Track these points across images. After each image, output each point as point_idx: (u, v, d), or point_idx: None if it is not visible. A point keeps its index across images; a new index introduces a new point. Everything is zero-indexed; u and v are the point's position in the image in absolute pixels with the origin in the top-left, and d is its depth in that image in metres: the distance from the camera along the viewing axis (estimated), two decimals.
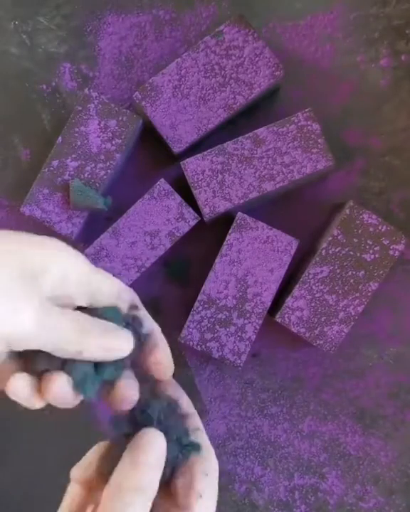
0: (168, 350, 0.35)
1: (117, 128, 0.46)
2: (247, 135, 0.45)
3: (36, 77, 0.50)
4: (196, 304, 0.45)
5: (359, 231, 0.45)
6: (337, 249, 0.45)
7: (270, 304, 0.45)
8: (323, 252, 0.45)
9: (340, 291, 0.45)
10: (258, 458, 0.49)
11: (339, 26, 0.49)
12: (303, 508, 0.49)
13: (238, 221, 0.45)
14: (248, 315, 0.45)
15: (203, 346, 0.45)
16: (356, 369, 0.49)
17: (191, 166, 0.45)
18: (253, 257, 0.45)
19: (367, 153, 0.49)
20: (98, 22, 0.50)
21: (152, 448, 0.31)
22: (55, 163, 0.46)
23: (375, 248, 0.45)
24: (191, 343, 0.45)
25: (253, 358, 0.50)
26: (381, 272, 0.45)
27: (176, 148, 0.46)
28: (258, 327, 0.45)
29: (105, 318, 0.32)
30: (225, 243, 0.45)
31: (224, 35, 0.45)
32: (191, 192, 0.45)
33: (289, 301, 0.45)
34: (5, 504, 0.50)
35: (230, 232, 0.45)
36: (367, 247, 0.45)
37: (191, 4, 0.50)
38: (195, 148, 0.48)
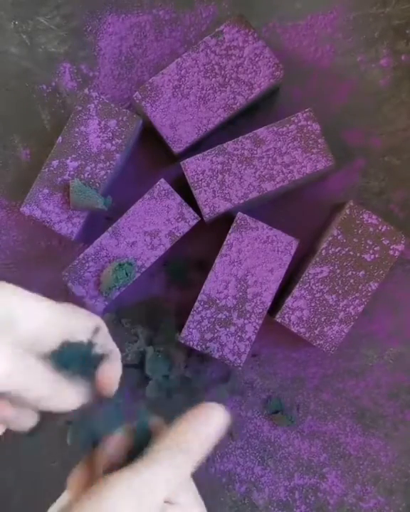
0: (119, 371, 0.35)
1: (117, 128, 0.46)
2: (247, 135, 0.45)
3: (36, 77, 0.50)
4: (196, 304, 0.45)
5: (359, 231, 0.45)
6: (337, 249, 0.45)
7: (270, 303, 0.45)
8: (323, 252, 0.45)
9: (340, 291, 0.45)
10: (258, 458, 0.49)
11: (339, 26, 0.49)
12: (303, 508, 0.49)
13: (238, 221, 0.45)
14: (248, 315, 0.45)
15: (203, 346, 0.45)
16: (356, 369, 0.49)
17: (191, 166, 0.45)
18: (253, 257, 0.45)
19: (367, 153, 0.49)
20: (98, 22, 0.50)
21: (213, 421, 0.31)
22: (55, 163, 0.46)
23: (375, 248, 0.45)
24: (191, 343, 0.45)
25: (253, 358, 0.50)
26: (381, 272, 0.45)
27: (176, 148, 0.46)
28: (258, 327, 0.45)
29: (64, 360, 0.32)
30: (225, 243, 0.45)
31: (224, 35, 0.45)
32: (191, 192, 0.45)
33: (289, 301, 0.45)
34: (6, 505, 0.50)
35: (230, 232, 0.45)
36: (367, 247, 0.45)
37: (191, 4, 0.50)
38: (195, 148, 0.48)
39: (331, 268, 0.45)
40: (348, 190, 0.49)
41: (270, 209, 0.49)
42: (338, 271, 0.45)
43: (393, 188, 0.49)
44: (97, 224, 0.49)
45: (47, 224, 0.46)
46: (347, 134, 0.49)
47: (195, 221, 0.46)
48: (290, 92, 0.49)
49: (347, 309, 0.45)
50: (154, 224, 0.46)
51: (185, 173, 0.45)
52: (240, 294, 0.45)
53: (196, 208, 0.46)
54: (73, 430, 0.32)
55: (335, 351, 0.45)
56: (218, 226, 0.48)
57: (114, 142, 0.46)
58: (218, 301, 0.45)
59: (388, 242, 0.45)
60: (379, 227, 0.45)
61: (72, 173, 0.46)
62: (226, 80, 0.45)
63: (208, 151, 0.45)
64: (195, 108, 0.46)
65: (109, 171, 0.46)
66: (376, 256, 0.45)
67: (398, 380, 0.49)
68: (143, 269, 0.46)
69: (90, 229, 0.48)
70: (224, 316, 0.45)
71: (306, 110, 0.45)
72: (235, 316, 0.45)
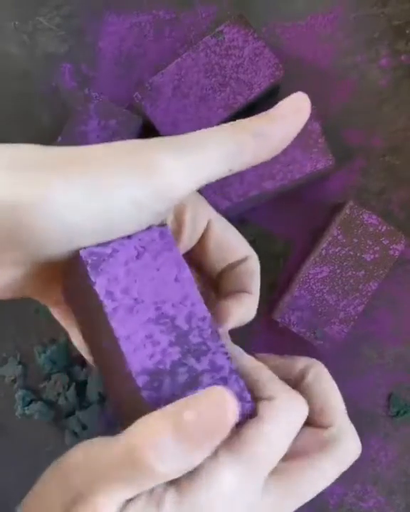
0: None
1: (117, 128, 0.46)
2: None
3: (36, 77, 0.50)
4: (144, 392, 0.28)
5: (359, 231, 0.45)
6: (336, 249, 0.45)
7: (208, 312, 0.31)
8: (323, 252, 0.45)
9: (340, 291, 0.45)
10: None
11: (339, 26, 0.49)
12: (303, 508, 0.49)
13: (88, 261, 0.28)
14: (204, 347, 0.30)
15: None
16: (356, 369, 0.49)
17: None
18: (146, 283, 0.30)
19: (367, 153, 0.49)
20: (98, 22, 0.50)
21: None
22: None
23: (375, 248, 0.45)
24: None
25: None
26: (381, 272, 0.45)
27: None
28: (224, 348, 0.30)
29: None
30: (101, 299, 0.29)
31: (224, 35, 0.45)
32: None
33: (289, 301, 0.45)
34: (6, 505, 0.50)
35: (93, 281, 0.28)
36: (367, 247, 0.45)
37: (191, 4, 0.50)
38: None
39: (331, 268, 0.45)
40: (348, 190, 0.49)
41: (270, 209, 0.49)
42: (338, 271, 0.45)
43: (393, 188, 0.49)
44: None
45: None
46: (347, 134, 0.49)
47: None
48: (290, 92, 0.49)
49: (347, 309, 0.45)
50: None
51: None
52: (174, 333, 0.30)
53: None
54: None
55: (335, 351, 0.45)
56: None
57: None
58: (161, 367, 0.29)
59: (388, 242, 0.45)
60: (379, 227, 0.45)
61: None
62: (226, 79, 0.46)
63: None
64: (195, 108, 0.46)
65: None
66: (376, 256, 0.45)
67: (398, 380, 0.49)
68: None
69: None
70: (186, 375, 0.29)
71: None
72: (194, 362, 0.30)
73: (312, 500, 0.49)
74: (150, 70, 0.50)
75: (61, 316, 0.33)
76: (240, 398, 0.29)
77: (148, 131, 0.48)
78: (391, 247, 0.45)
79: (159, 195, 0.26)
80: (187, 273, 0.30)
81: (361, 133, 0.49)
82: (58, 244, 0.26)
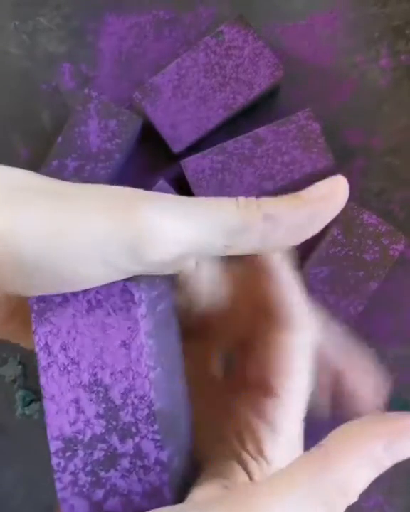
0: None
1: (117, 128, 0.46)
2: (247, 134, 0.45)
3: (36, 77, 0.50)
4: (53, 459, 0.27)
5: (359, 231, 0.45)
6: (336, 249, 0.45)
7: (152, 393, 0.25)
8: (323, 252, 0.45)
9: (340, 291, 0.45)
10: None
11: (339, 26, 0.49)
12: None
13: (35, 307, 0.25)
14: (133, 428, 0.26)
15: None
16: None
17: (192, 164, 0.45)
18: (87, 343, 0.26)
19: (367, 153, 0.49)
20: (98, 22, 0.50)
21: None
22: (54, 163, 0.46)
23: (375, 248, 0.45)
24: None
25: None
26: (381, 272, 0.45)
27: (176, 148, 0.46)
28: (158, 436, 0.25)
29: None
30: (38, 350, 0.26)
31: (224, 35, 0.45)
32: (191, 192, 0.45)
33: None
34: (6, 505, 0.50)
35: (34, 330, 0.26)
36: (367, 247, 0.45)
37: (191, 4, 0.50)
38: (195, 148, 0.48)
39: (331, 268, 0.45)
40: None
41: None
42: (338, 271, 0.45)
43: (393, 188, 0.49)
44: None
45: None
46: (347, 134, 0.49)
47: None
48: (290, 92, 0.49)
49: (347, 309, 0.45)
50: None
51: (185, 172, 0.45)
52: (103, 405, 0.26)
53: None
54: None
55: None
56: None
57: (114, 142, 0.46)
58: (79, 437, 0.26)
59: (388, 242, 0.45)
60: (379, 227, 0.45)
61: (71, 173, 0.46)
62: (226, 79, 0.46)
63: (209, 150, 0.45)
64: (195, 108, 0.46)
65: (109, 170, 0.46)
66: (376, 256, 0.45)
67: (398, 380, 0.49)
68: None
69: None
70: (102, 452, 0.26)
71: (306, 110, 0.45)
72: (117, 442, 0.26)
73: None
74: (150, 70, 0.50)
75: None
76: (159, 493, 0.26)
77: (148, 131, 0.48)
78: (391, 247, 0.45)
79: (133, 255, 0.23)
80: (140, 340, 0.25)
81: (361, 133, 0.49)
82: (15, 283, 0.24)
